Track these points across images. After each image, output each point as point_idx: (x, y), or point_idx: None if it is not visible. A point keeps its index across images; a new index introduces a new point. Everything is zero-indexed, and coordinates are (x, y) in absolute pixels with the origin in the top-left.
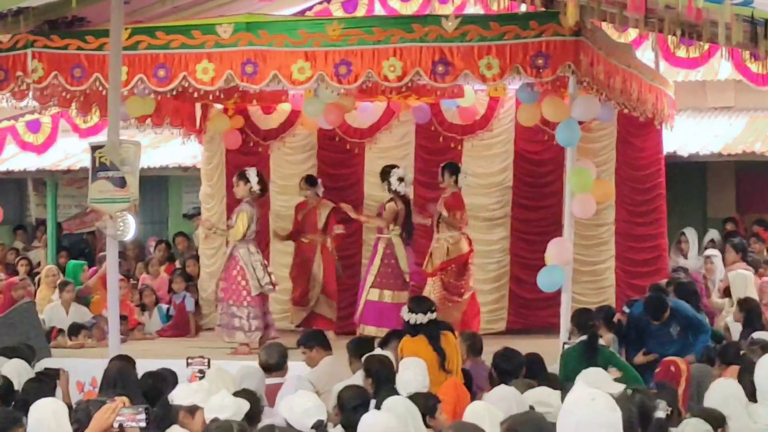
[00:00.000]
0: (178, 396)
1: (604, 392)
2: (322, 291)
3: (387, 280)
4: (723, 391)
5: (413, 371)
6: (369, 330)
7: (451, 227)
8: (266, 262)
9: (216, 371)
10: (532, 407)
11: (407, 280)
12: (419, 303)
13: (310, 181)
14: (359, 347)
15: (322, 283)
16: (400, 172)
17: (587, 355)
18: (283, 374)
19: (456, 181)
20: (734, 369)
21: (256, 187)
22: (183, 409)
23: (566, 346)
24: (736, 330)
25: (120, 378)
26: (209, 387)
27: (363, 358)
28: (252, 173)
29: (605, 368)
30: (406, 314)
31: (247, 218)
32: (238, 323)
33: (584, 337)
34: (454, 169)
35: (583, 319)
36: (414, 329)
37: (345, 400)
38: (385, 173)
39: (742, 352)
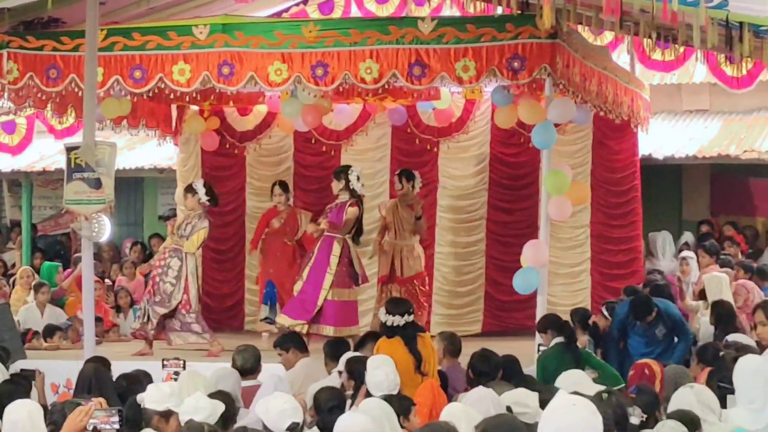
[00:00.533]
0: (149, 398)
1: (585, 398)
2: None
3: (343, 279)
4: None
5: (384, 370)
6: (328, 330)
7: (418, 233)
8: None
9: (188, 374)
10: (509, 408)
11: (359, 282)
12: (397, 305)
13: (285, 186)
14: (336, 349)
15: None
16: (358, 171)
17: (566, 356)
18: (255, 377)
19: (413, 187)
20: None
21: (204, 198)
22: (157, 413)
23: (542, 348)
24: (707, 332)
25: (95, 380)
26: (180, 389)
27: (344, 360)
28: (199, 185)
29: (583, 368)
30: (383, 316)
31: (205, 235)
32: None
33: (560, 339)
34: (410, 175)
35: (556, 321)
36: (391, 331)
37: (321, 402)
38: (342, 172)
39: (721, 354)
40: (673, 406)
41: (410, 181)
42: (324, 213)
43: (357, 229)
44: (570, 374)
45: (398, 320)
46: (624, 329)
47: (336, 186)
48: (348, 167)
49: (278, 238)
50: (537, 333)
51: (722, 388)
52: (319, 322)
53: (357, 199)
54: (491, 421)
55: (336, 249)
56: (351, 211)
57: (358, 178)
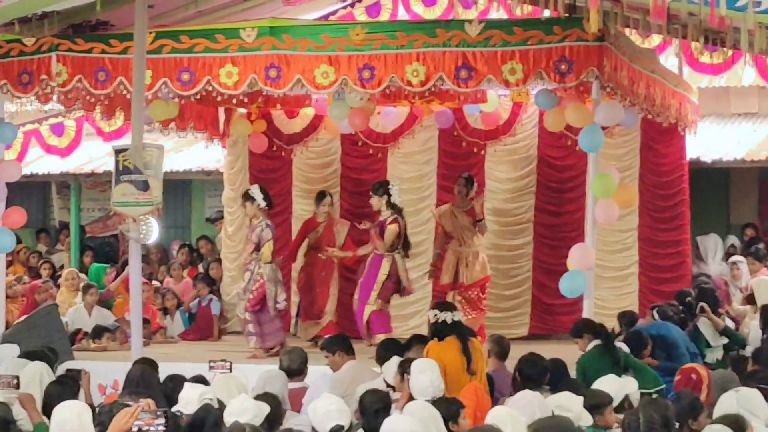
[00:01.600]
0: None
1: None
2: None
3: (388, 293)
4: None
5: (428, 375)
6: (380, 338)
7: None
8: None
9: (223, 379)
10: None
11: (402, 293)
12: (445, 305)
13: (319, 197)
14: (388, 350)
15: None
16: (397, 184)
17: (605, 358)
18: (302, 379)
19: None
20: None
21: (262, 203)
22: None
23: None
24: (757, 336)
25: (142, 381)
26: (212, 394)
27: (393, 364)
28: (255, 190)
29: (625, 369)
30: (434, 315)
31: (272, 242)
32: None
33: (597, 341)
34: (472, 181)
35: (589, 324)
36: (441, 331)
37: (366, 404)
38: (382, 187)
39: None
40: (718, 410)
41: (472, 186)
42: (372, 225)
43: (403, 243)
44: (605, 380)
45: (449, 316)
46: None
47: (377, 203)
48: (387, 182)
49: (313, 252)
50: (574, 339)
51: (761, 390)
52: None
53: (398, 214)
54: (545, 422)
55: (385, 268)
56: (391, 230)
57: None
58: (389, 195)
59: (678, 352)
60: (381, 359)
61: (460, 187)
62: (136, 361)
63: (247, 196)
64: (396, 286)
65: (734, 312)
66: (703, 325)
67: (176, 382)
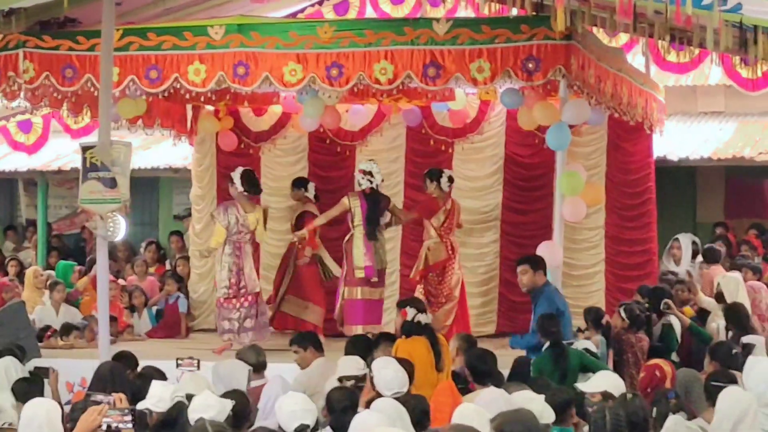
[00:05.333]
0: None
1: None
2: (290, 292)
3: (350, 277)
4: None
5: (392, 369)
6: (357, 329)
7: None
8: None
9: (192, 377)
10: None
11: (359, 275)
12: (420, 303)
13: (295, 183)
14: (355, 346)
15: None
16: (364, 166)
17: (556, 360)
18: (262, 375)
19: (439, 186)
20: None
21: (240, 188)
22: None
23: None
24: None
25: (111, 377)
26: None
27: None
28: (235, 174)
29: (578, 370)
30: (414, 314)
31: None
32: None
33: (549, 343)
34: (432, 175)
35: (547, 324)
36: (412, 330)
37: (334, 402)
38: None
39: (734, 352)
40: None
41: (434, 180)
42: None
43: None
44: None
45: (424, 318)
46: None
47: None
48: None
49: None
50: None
51: (715, 386)
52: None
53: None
54: (508, 415)
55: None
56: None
57: (363, 173)
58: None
59: None
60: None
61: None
62: (115, 355)
63: (229, 178)
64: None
65: (700, 302)
66: (675, 322)
67: (144, 378)
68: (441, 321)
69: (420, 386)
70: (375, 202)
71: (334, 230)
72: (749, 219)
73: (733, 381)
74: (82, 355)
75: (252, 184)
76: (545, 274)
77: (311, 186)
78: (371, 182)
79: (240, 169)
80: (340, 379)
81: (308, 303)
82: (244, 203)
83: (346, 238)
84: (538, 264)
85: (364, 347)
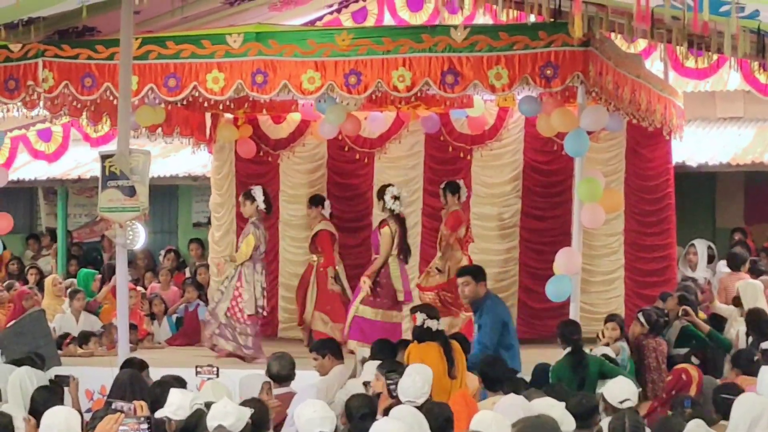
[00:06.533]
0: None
1: None
2: (316, 308)
3: (378, 299)
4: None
5: (413, 378)
6: (352, 345)
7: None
8: (265, 285)
9: (212, 385)
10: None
11: (400, 299)
12: (432, 310)
13: (311, 201)
14: (381, 351)
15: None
16: (394, 191)
17: (575, 367)
18: (290, 384)
19: (460, 199)
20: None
21: (262, 206)
22: None
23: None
24: (743, 340)
25: (130, 385)
26: (203, 400)
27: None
28: (258, 192)
29: (597, 377)
30: (422, 319)
31: (254, 241)
32: (230, 336)
33: (569, 349)
34: (454, 188)
35: (567, 330)
36: (423, 335)
37: (352, 409)
38: (381, 192)
39: (756, 359)
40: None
41: (454, 194)
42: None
43: (400, 247)
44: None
45: (435, 324)
46: None
47: (378, 206)
48: (387, 187)
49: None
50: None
51: (724, 399)
52: (348, 338)
53: (394, 218)
54: (529, 421)
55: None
56: (383, 233)
57: (395, 198)
58: (384, 201)
59: None
60: (374, 359)
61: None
62: (125, 362)
63: (248, 195)
64: (389, 291)
65: (715, 309)
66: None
67: (164, 386)
68: (460, 327)
69: (434, 391)
70: (404, 226)
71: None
72: None
73: (742, 392)
74: (101, 362)
75: (269, 203)
76: (486, 285)
77: (327, 204)
78: (401, 206)
79: (260, 187)
80: (365, 384)
81: (330, 321)
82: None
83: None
84: (479, 275)
85: (390, 352)
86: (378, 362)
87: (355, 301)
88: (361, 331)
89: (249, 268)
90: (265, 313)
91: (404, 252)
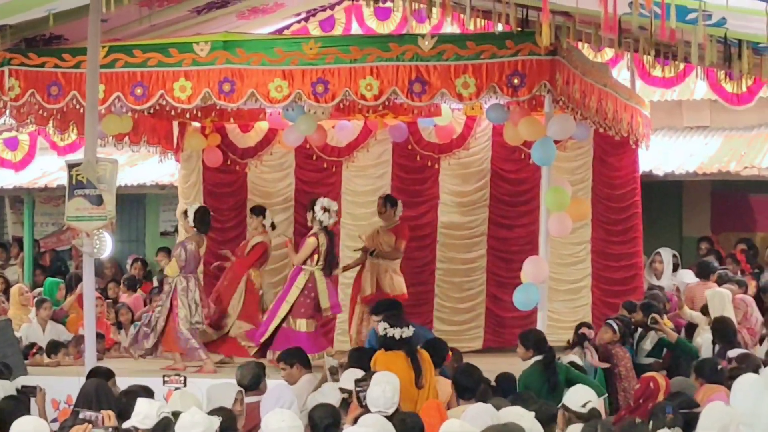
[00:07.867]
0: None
1: None
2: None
3: (302, 310)
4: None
5: (382, 387)
6: (270, 355)
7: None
8: (202, 298)
9: (180, 394)
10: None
11: (325, 315)
12: (398, 317)
13: (252, 211)
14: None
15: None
16: (324, 202)
17: (545, 374)
18: (260, 393)
19: (396, 213)
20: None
21: (191, 223)
22: None
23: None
24: (709, 348)
25: (96, 395)
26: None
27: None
28: (190, 210)
29: (565, 384)
30: (383, 328)
31: (177, 263)
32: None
33: (539, 357)
34: (394, 202)
35: (538, 338)
36: (389, 344)
37: (316, 419)
38: (311, 204)
39: (719, 367)
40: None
41: (393, 206)
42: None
43: (327, 260)
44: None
45: (406, 332)
46: None
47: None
48: (315, 200)
49: None
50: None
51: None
52: (268, 348)
53: (324, 231)
54: (496, 429)
55: (300, 281)
56: (308, 242)
57: (324, 210)
58: (313, 212)
59: None
60: (351, 366)
61: (378, 206)
62: (91, 371)
63: (183, 212)
64: (315, 304)
65: (685, 316)
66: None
67: (130, 396)
68: None
69: (401, 400)
70: (332, 240)
71: None
72: (735, 233)
73: (695, 406)
74: (68, 372)
75: (203, 222)
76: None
77: (268, 214)
78: (330, 218)
79: (195, 205)
80: (341, 390)
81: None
82: (194, 237)
83: (305, 273)
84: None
85: (367, 360)
86: (358, 370)
87: (278, 313)
88: (285, 341)
89: (182, 284)
90: (202, 327)
91: (329, 265)
